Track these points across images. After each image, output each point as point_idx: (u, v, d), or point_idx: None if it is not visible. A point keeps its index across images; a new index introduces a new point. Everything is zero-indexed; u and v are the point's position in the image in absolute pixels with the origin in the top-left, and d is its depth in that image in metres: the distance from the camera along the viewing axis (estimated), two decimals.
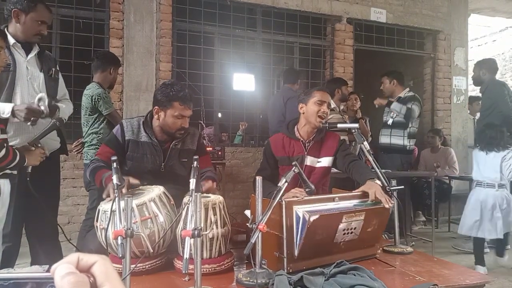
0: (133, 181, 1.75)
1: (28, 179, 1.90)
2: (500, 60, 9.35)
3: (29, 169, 1.92)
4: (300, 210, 1.53)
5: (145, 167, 2.00)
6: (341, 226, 1.60)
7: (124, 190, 1.63)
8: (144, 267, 1.55)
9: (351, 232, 1.65)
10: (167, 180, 1.91)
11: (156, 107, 1.96)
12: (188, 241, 1.24)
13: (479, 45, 9.81)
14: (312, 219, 1.46)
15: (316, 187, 1.91)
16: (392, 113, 4.01)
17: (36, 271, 0.36)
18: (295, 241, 1.53)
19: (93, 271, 0.38)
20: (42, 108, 1.94)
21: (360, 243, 1.74)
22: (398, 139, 3.96)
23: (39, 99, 1.96)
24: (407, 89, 4.07)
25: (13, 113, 1.88)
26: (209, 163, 2.23)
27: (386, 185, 1.90)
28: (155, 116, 1.98)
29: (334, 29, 5.08)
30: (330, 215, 1.57)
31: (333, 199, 1.69)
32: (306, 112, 2.23)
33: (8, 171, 1.86)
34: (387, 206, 1.71)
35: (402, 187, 2.13)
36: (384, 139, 4.06)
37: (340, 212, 1.60)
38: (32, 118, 1.89)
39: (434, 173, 3.89)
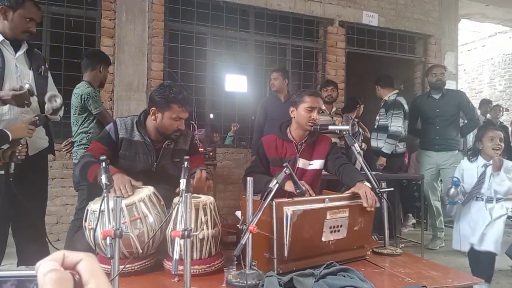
0: (135, 183, 1.72)
1: (11, 179, 1.87)
2: (489, 65, 9.50)
3: (12, 169, 1.89)
4: (288, 210, 1.54)
5: (137, 166, 1.99)
6: (327, 223, 1.62)
7: (129, 189, 1.65)
8: (133, 268, 1.54)
9: (338, 230, 1.67)
10: (158, 180, 1.90)
11: (154, 108, 1.94)
12: (178, 242, 1.23)
13: (468, 50, 9.94)
14: (296, 214, 1.50)
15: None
16: (377, 116, 4.07)
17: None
18: (284, 241, 1.53)
19: (78, 269, 0.37)
20: (26, 86, 1.89)
21: (350, 244, 1.75)
22: (383, 142, 3.96)
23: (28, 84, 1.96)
24: (394, 91, 4.06)
25: (3, 101, 1.85)
26: (202, 162, 2.21)
27: (376, 187, 1.91)
28: (152, 117, 1.96)
29: (326, 31, 5.11)
30: (314, 210, 1.60)
31: (323, 200, 1.69)
32: (297, 117, 2.22)
33: None
34: (365, 204, 1.72)
35: (392, 189, 2.14)
36: (373, 143, 4.11)
37: (323, 207, 1.62)
38: (25, 102, 1.87)
39: (423, 175, 3.93)
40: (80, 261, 0.38)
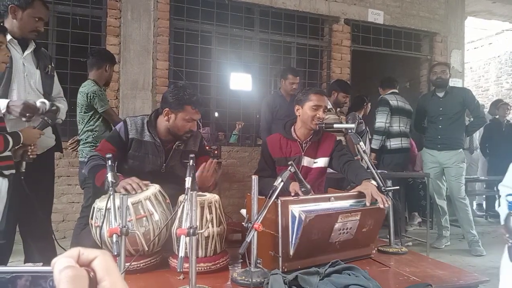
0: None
1: (22, 178, 1.89)
2: (496, 63, 9.42)
3: (23, 168, 1.91)
4: (296, 210, 1.53)
5: (146, 167, 1.99)
6: (337, 226, 1.60)
7: (141, 183, 1.66)
8: (138, 265, 1.55)
9: (347, 232, 1.65)
10: (166, 181, 1.90)
11: (167, 108, 1.94)
12: (183, 240, 1.23)
13: (475, 48, 9.86)
14: (308, 219, 1.47)
15: (311, 187, 1.91)
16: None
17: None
18: (290, 240, 1.53)
19: (93, 266, 0.38)
20: (39, 105, 1.92)
21: (355, 243, 1.75)
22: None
23: (41, 102, 1.96)
24: (390, 91, 4.23)
25: (8, 109, 1.87)
26: None
27: (382, 185, 1.91)
28: (165, 118, 1.96)
29: (331, 29, 5.09)
30: (326, 215, 1.57)
31: (328, 199, 1.69)
32: (302, 116, 2.22)
33: (6, 172, 1.85)
34: (382, 206, 1.71)
35: (398, 187, 2.13)
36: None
37: (336, 212, 1.60)
38: (27, 114, 1.88)
39: (429, 174, 3.90)
40: (95, 258, 0.38)
